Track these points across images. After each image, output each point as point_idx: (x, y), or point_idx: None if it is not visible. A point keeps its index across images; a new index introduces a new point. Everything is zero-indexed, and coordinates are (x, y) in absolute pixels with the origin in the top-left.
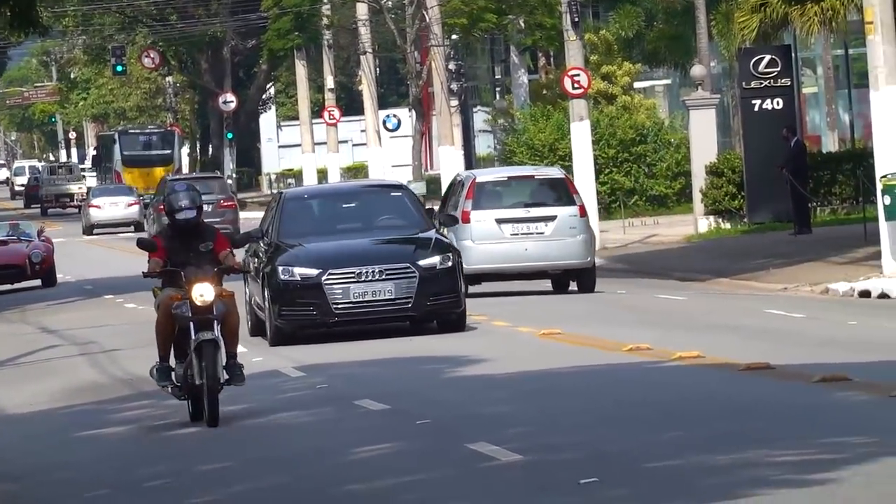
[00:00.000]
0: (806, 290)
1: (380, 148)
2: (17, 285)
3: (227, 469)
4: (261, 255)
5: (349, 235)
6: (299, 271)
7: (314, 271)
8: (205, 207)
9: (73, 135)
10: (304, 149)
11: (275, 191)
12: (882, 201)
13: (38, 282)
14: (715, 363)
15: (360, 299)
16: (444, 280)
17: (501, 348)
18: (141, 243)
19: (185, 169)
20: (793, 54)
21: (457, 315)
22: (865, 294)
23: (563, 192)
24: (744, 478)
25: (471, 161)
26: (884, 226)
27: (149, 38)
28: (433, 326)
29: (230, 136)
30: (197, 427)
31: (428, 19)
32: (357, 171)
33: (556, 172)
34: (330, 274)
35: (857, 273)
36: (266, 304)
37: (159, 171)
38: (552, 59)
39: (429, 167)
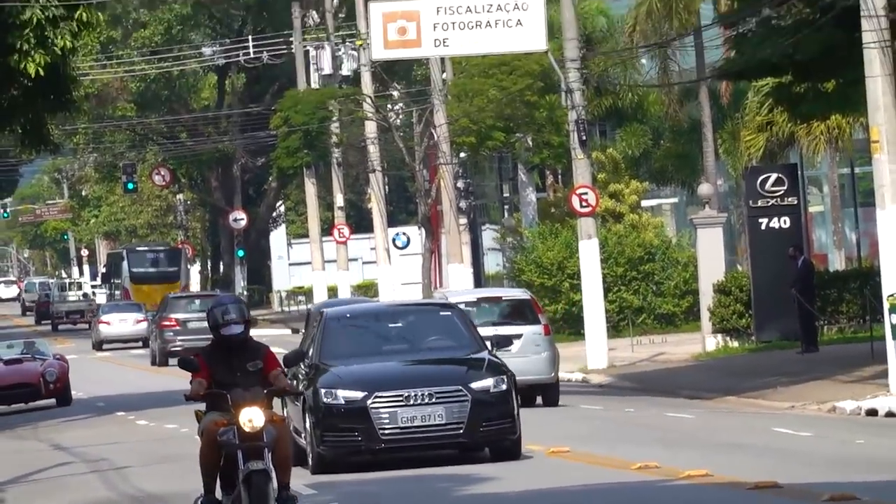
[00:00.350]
0: (813, 408)
1: (389, 266)
2: (31, 404)
3: None
4: (300, 376)
5: (396, 357)
6: (343, 394)
7: (359, 394)
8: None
9: (84, 252)
10: (314, 266)
11: (286, 308)
12: (889, 320)
13: (52, 401)
14: (723, 482)
15: (409, 424)
16: (498, 404)
17: (511, 466)
18: (182, 363)
19: (197, 286)
20: (799, 173)
21: (511, 442)
22: (872, 413)
23: (528, 311)
24: None
25: (480, 279)
26: (891, 344)
27: (159, 155)
28: (486, 455)
29: (241, 253)
30: None
31: (436, 138)
32: (367, 288)
33: (522, 294)
34: (376, 397)
35: (864, 391)
36: (307, 429)
37: (166, 289)
38: (560, 177)
39: (438, 285)
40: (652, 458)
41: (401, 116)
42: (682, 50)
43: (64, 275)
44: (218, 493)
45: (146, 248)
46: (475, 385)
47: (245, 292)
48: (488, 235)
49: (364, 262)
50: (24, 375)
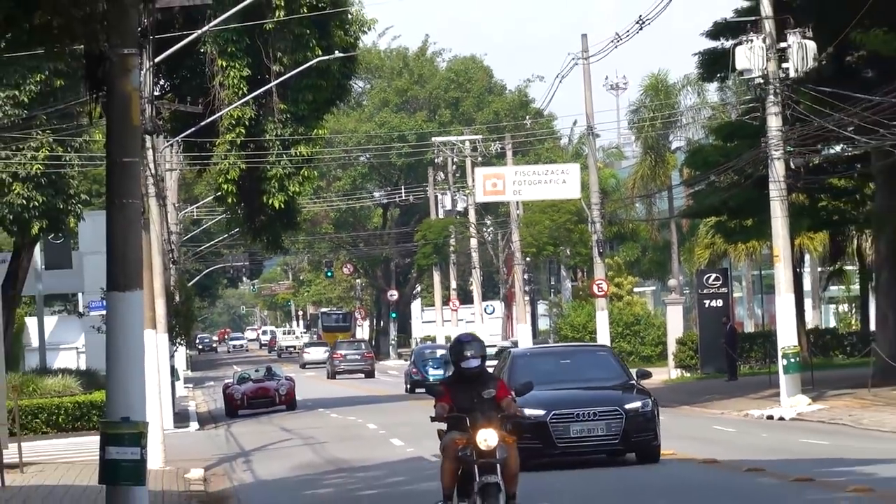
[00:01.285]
0: (735, 414)
1: (483, 324)
2: (270, 409)
3: None
4: None
5: (567, 385)
6: (529, 412)
7: (541, 412)
8: (352, 356)
9: (300, 312)
10: (437, 324)
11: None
12: (781, 362)
13: (283, 406)
14: (682, 458)
15: (578, 435)
16: (644, 420)
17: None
18: (429, 390)
19: (367, 335)
20: (728, 274)
21: (653, 447)
22: (770, 417)
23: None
24: None
25: (535, 333)
26: (782, 377)
27: (347, 256)
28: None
29: (393, 315)
30: None
31: (512, 248)
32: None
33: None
34: (554, 415)
35: (765, 405)
36: None
37: (342, 335)
38: (585, 273)
39: (510, 335)
40: None
41: (491, 236)
42: (660, 199)
43: (286, 326)
44: (455, 500)
45: (332, 312)
46: (628, 406)
47: (395, 338)
48: (541, 307)
49: (467, 322)
50: (267, 390)
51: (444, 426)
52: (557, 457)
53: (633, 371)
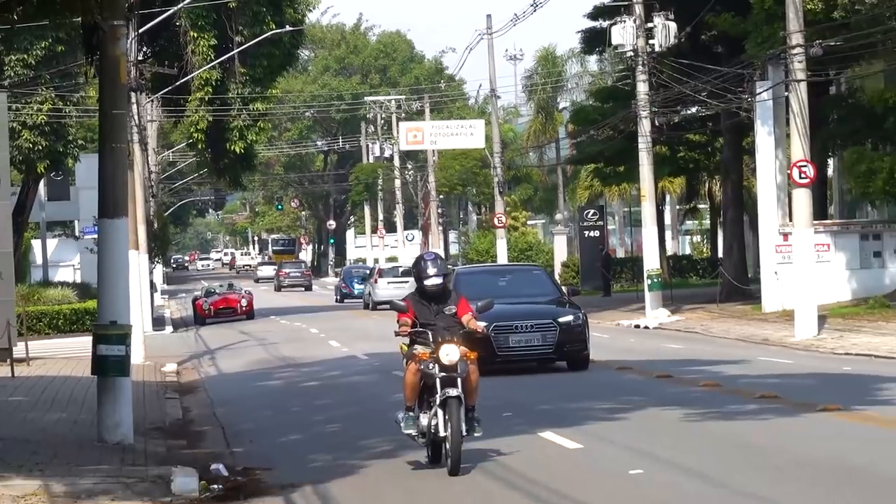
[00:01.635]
0: (609, 324)
1: (404, 249)
2: (233, 318)
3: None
4: None
5: (506, 300)
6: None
7: (482, 324)
8: (294, 273)
9: (255, 238)
10: (367, 249)
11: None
12: (646, 282)
13: (244, 317)
14: None
15: (517, 345)
16: (575, 332)
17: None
18: (393, 305)
19: (310, 257)
20: (604, 209)
21: (583, 356)
22: (637, 326)
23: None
24: (583, 414)
25: (447, 257)
26: (647, 294)
27: (295, 192)
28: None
29: (332, 241)
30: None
31: (428, 187)
32: (392, 260)
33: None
34: (495, 326)
35: (633, 316)
36: None
37: (287, 257)
38: (488, 208)
39: None
40: None
41: (411, 177)
42: (549, 149)
43: (244, 249)
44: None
45: (280, 238)
46: (561, 319)
47: (333, 260)
48: (452, 236)
49: (391, 247)
50: (231, 301)
51: (406, 340)
52: (498, 364)
53: (565, 289)
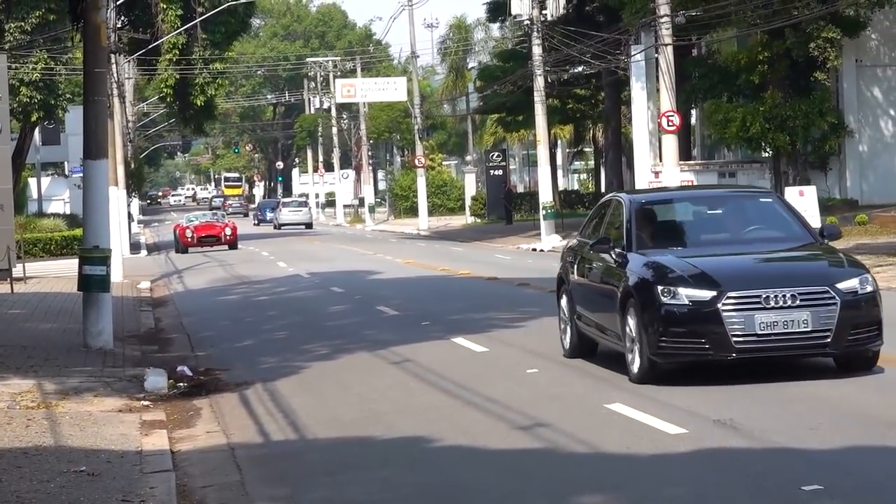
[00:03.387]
0: (510, 248)
1: (340, 185)
2: (215, 247)
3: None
4: (611, 266)
5: (720, 248)
6: (687, 293)
7: (707, 294)
8: (244, 203)
9: (216, 176)
10: (310, 185)
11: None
12: (541, 213)
13: (226, 247)
14: (471, 276)
15: (769, 331)
16: (865, 309)
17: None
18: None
19: (261, 193)
20: (507, 152)
21: (873, 353)
22: (534, 250)
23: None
24: (488, 323)
25: (376, 192)
26: (542, 223)
27: (249, 137)
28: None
29: (280, 178)
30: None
31: (360, 134)
32: (329, 195)
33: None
34: (728, 298)
35: (531, 241)
36: (633, 331)
37: (238, 190)
38: (410, 151)
39: (359, 193)
40: (439, 265)
41: (346, 125)
42: (460, 101)
43: (204, 186)
44: None
45: (230, 175)
46: (842, 286)
47: (281, 195)
48: (380, 174)
49: (329, 184)
50: (215, 229)
51: None
52: (734, 362)
53: (816, 226)
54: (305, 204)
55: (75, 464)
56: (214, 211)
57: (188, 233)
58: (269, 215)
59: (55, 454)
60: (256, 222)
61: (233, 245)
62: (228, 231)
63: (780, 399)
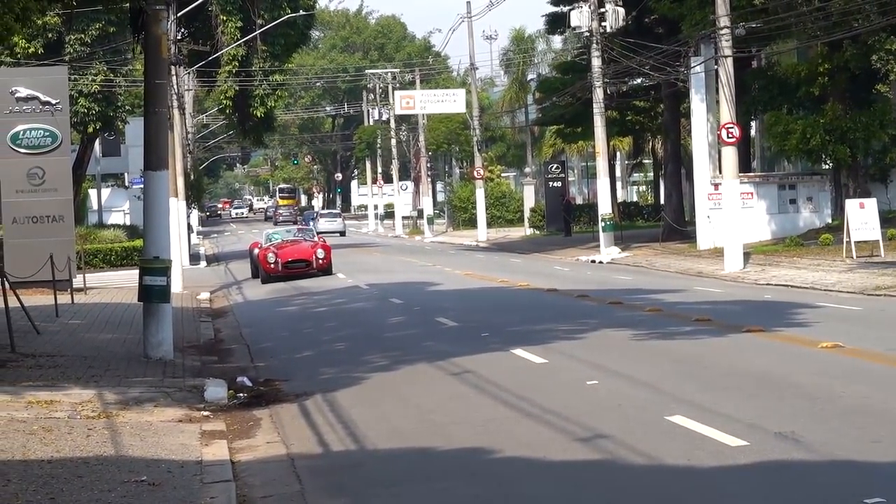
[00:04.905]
0: (569, 259)
1: (399, 197)
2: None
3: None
4: None
5: None
6: None
7: None
8: (285, 213)
9: (276, 187)
10: (368, 197)
11: (357, 213)
12: (600, 224)
13: (319, 273)
14: (530, 288)
15: None
16: None
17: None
18: None
19: (319, 205)
20: (565, 164)
21: None
22: (593, 261)
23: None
24: (547, 334)
25: (435, 203)
26: (601, 234)
27: (308, 149)
28: None
29: (339, 190)
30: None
31: (419, 145)
32: (388, 206)
33: None
34: None
35: (590, 253)
36: None
37: (291, 201)
38: (468, 163)
39: (418, 204)
40: (498, 276)
41: (405, 137)
42: (520, 113)
43: (262, 197)
44: None
45: (285, 186)
46: None
47: (339, 206)
48: (439, 186)
49: (388, 195)
50: (304, 253)
51: None
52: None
53: None
54: (339, 215)
55: (136, 474)
56: (300, 226)
57: (271, 257)
58: (310, 224)
59: (116, 464)
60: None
61: (326, 271)
62: (321, 254)
63: (842, 412)
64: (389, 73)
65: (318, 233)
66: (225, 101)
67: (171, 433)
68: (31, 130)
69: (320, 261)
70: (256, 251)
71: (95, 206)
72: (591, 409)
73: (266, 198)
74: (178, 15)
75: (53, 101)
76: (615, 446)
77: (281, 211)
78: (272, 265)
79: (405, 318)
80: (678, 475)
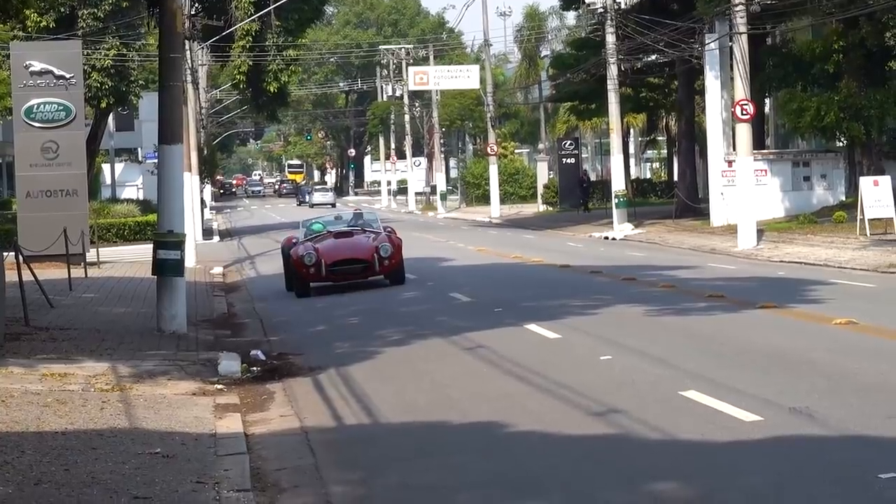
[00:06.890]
0: (582, 235)
1: (412, 173)
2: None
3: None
4: None
5: None
6: None
7: None
8: (288, 187)
9: (286, 162)
10: (382, 173)
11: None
12: (613, 201)
13: (381, 276)
14: (545, 264)
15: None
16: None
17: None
18: None
19: (333, 180)
20: (579, 140)
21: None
22: (606, 238)
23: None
24: (561, 310)
25: (448, 180)
26: (614, 211)
27: (321, 125)
28: None
29: (352, 166)
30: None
31: (432, 121)
32: (401, 182)
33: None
34: None
35: (603, 229)
36: None
37: (300, 176)
38: (482, 139)
39: (431, 180)
40: (517, 253)
41: (418, 113)
42: (533, 89)
43: (275, 173)
44: None
45: (295, 162)
46: None
47: (353, 182)
48: (452, 162)
49: (402, 171)
50: (359, 250)
51: None
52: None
53: None
54: (331, 189)
55: (150, 446)
56: (356, 214)
57: (309, 257)
58: (306, 197)
59: (130, 436)
60: (298, 203)
61: (394, 275)
62: (385, 250)
63: (857, 388)
64: (403, 49)
65: (313, 205)
66: (238, 76)
67: (185, 406)
68: (45, 104)
69: (385, 261)
70: (290, 253)
71: (109, 181)
72: (605, 385)
73: (276, 173)
74: None
75: (67, 75)
76: (629, 421)
77: (285, 184)
78: (310, 269)
79: (419, 293)
80: (692, 450)
